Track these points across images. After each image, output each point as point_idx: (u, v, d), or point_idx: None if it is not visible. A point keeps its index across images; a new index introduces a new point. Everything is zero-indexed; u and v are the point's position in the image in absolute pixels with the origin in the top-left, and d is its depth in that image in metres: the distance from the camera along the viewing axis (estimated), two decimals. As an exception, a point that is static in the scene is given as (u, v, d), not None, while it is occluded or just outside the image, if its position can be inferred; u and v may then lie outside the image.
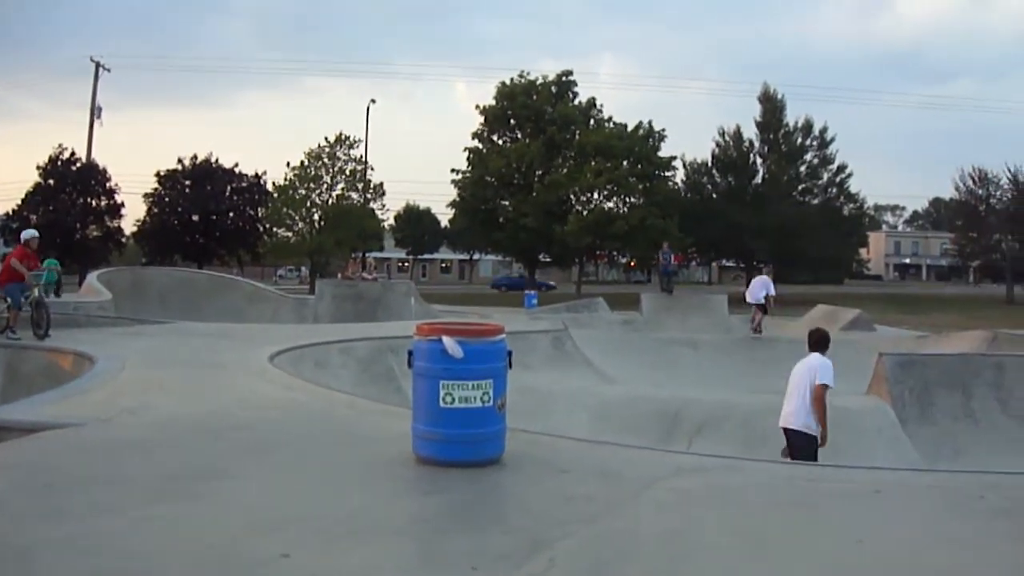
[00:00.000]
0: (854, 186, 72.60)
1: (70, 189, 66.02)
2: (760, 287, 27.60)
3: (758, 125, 72.16)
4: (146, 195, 71.01)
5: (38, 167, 65.99)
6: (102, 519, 5.23)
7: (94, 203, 67.53)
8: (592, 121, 69.70)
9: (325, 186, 66.30)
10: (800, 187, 71.36)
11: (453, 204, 72.14)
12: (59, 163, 66.44)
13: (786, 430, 11.03)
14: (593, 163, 64.43)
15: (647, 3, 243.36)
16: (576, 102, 70.24)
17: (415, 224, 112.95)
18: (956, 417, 14.37)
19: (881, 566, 4.73)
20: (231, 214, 71.85)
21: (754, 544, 5.07)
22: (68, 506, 5.50)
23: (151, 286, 30.73)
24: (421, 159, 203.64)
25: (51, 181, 65.74)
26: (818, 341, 11.11)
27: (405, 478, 6.59)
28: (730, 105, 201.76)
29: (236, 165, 72.63)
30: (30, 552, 4.68)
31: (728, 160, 71.80)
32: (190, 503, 5.70)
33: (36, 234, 17.88)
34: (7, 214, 66.76)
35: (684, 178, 73.54)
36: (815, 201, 71.65)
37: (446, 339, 6.59)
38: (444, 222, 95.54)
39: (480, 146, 70.08)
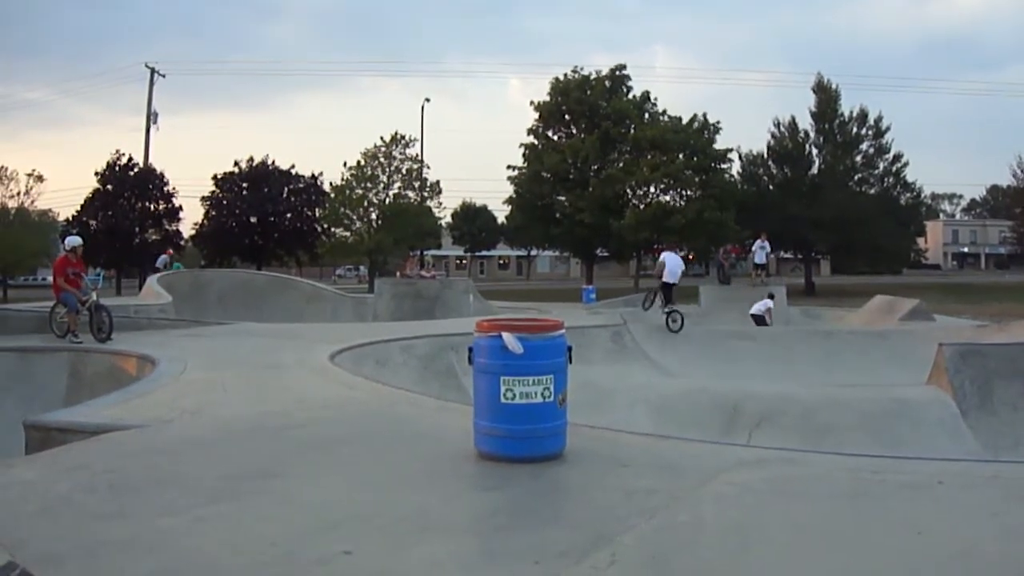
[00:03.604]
0: (910, 175, 71.45)
1: (128, 194, 67.20)
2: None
3: (813, 115, 71.13)
4: (204, 198, 72.20)
5: (96, 173, 67.59)
6: (165, 518, 5.26)
7: (152, 207, 68.77)
8: (647, 115, 69.10)
9: (382, 185, 66.90)
10: (856, 177, 70.24)
11: (509, 200, 72.18)
12: (117, 168, 67.52)
13: (752, 315, 28.69)
14: (649, 157, 64.13)
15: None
16: (630, 96, 69.71)
17: (472, 221, 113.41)
18: (1017, 407, 14.10)
19: (942, 558, 4.65)
20: (289, 215, 72.56)
21: (816, 537, 5.00)
22: (131, 506, 5.55)
23: (210, 288, 31.11)
24: (476, 156, 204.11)
25: (109, 186, 66.91)
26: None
27: (467, 474, 6.57)
28: (784, 96, 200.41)
29: (292, 166, 73.80)
30: (95, 551, 4.72)
31: (784, 151, 70.86)
32: (251, 502, 5.72)
33: (80, 241, 18.04)
34: (67, 220, 67.87)
35: (740, 170, 72.84)
36: (872, 191, 70.34)
37: (506, 335, 6.55)
38: (501, 219, 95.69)
39: (535, 142, 69.88)
